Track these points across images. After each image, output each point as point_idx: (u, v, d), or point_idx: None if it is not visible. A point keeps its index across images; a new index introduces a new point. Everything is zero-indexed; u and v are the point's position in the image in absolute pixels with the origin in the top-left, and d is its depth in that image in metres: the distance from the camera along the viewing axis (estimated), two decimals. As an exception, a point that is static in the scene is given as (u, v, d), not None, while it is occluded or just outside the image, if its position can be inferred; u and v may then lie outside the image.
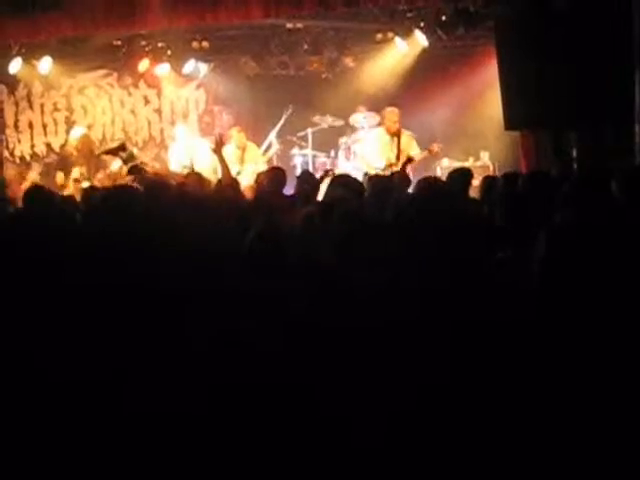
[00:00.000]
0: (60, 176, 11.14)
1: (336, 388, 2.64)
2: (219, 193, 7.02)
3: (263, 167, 10.77)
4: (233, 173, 11.10)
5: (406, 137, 11.30)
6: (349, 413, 2.57)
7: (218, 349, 2.77)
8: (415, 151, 11.08)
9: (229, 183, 7.71)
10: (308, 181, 7.38)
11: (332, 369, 2.68)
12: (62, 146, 13.33)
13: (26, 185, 10.25)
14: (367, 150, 11.60)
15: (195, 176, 7.87)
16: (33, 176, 11.62)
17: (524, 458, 2.30)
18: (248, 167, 11.40)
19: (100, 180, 10.77)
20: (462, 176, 7.17)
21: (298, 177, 7.88)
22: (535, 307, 2.51)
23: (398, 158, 10.87)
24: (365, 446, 2.50)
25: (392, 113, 11.49)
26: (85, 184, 10.77)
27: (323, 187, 7.36)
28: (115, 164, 11.26)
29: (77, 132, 12.04)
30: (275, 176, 7.49)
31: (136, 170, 9.11)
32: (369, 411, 2.56)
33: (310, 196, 6.82)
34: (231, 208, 5.54)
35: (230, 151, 11.65)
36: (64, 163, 11.53)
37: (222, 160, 8.36)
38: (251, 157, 11.82)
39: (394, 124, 11.31)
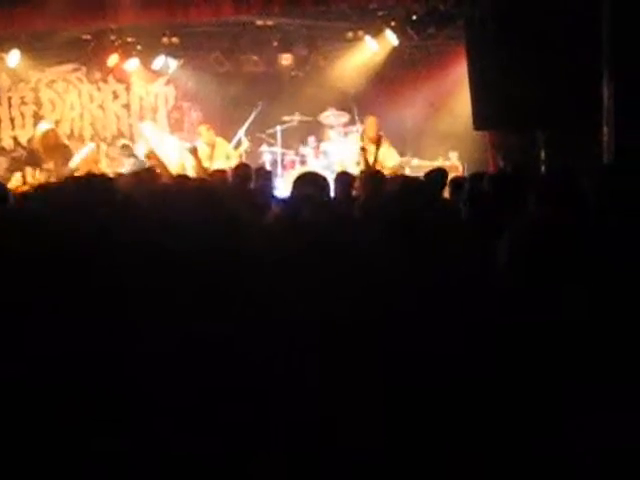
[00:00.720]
0: (29, 171, 11.09)
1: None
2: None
3: (234, 163, 10.79)
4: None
5: (386, 148, 11.28)
6: (342, 415, 2.57)
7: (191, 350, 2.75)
8: (393, 161, 11.13)
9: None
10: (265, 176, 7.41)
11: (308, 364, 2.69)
12: (29, 140, 13.23)
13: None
14: (344, 155, 11.62)
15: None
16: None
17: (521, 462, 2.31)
18: (218, 164, 11.37)
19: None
20: (439, 176, 7.21)
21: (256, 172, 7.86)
22: (499, 304, 2.52)
23: (374, 166, 10.85)
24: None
25: (372, 123, 11.48)
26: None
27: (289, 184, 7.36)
28: (76, 158, 11.25)
29: (42, 127, 11.95)
30: (241, 172, 7.50)
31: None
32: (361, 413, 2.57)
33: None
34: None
35: (199, 148, 11.67)
36: (33, 158, 11.44)
37: (197, 157, 8.47)
38: (221, 153, 11.78)
39: (375, 132, 11.30)
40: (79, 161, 11.35)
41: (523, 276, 2.46)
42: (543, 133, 10.06)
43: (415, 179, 6.32)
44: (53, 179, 10.59)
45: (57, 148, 11.41)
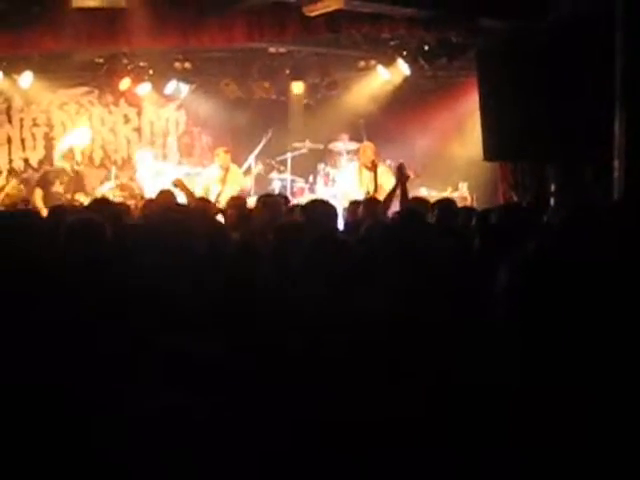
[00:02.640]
0: (39, 193, 11.12)
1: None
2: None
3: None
4: (214, 193, 11.17)
5: (382, 170, 11.25)
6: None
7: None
8: (391, 183, 11.08)
9: (197, 206, 7.71)
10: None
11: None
12: (40, 162, 13.27)
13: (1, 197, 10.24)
14: (346, 183, 11.59)
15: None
16: (8, 189, 11.54)
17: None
18: (228, 189, 11.37)
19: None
20: (447, 207, 7.11)
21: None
22: (500, 338, 2.50)
23: (376, 191, 10.80)
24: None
25: (367, 148, 11.45)
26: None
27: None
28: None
29: (64, 146, 12.07)
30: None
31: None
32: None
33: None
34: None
35: (214, 171, 11.71)
36: (44, 180, 11.46)
37: (185, 188, 8.44)
38: (233, 179, 11.81)
39: (369, 159, 11.25)
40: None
41: (521, 308, 2.44)
42: (553, 166, 10.04)
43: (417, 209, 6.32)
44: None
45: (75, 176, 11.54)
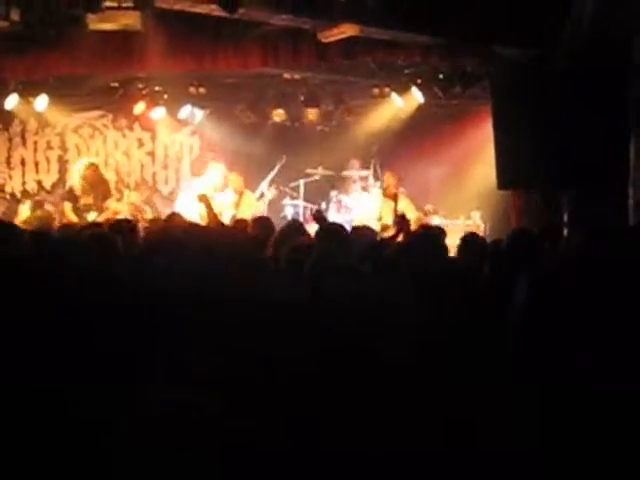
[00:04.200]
0: (68, 206, 11.17)
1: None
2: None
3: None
4: (229, 217, 11.19)
5: (404, 202, 11.30)
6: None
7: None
8: (412, 216, 11.10)
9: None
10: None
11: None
12: (54, 184, 13.31)
13: (19, 220, 10.26)
14: (364, 212, 11.62)
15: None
16: (24, 211, 11.56)
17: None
18: (241, 213, 11.38)
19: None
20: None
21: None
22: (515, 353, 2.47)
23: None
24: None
25: (390, 177, 11.58)
26: (92, 215, 10.84)
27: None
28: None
29: (83, 161, 12.13)
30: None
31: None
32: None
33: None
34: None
35: (228, 195, 11.73)
36: (70, 193, 11.52)
37: (208, 205, 8.42)
38: (247, 203, 11.85)
39: (391, 188, 11.33)
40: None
41: (537, 325, 2.41)
42: (567, 194, 10.00)
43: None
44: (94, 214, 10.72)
45: (98, 184, 11.56)
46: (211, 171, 12.21)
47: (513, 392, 2.36)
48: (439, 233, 6.63)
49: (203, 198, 8.67)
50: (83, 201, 11.31)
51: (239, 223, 8.16)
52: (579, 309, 2.31)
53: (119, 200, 12.77)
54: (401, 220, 8.19)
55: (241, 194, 11.93)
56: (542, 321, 2.36)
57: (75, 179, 11.69)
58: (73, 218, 10.94)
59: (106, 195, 11.57)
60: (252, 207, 11.89)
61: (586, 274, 2.42)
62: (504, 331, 2.66)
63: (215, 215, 8.51)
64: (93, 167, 11.78)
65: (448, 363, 2.94)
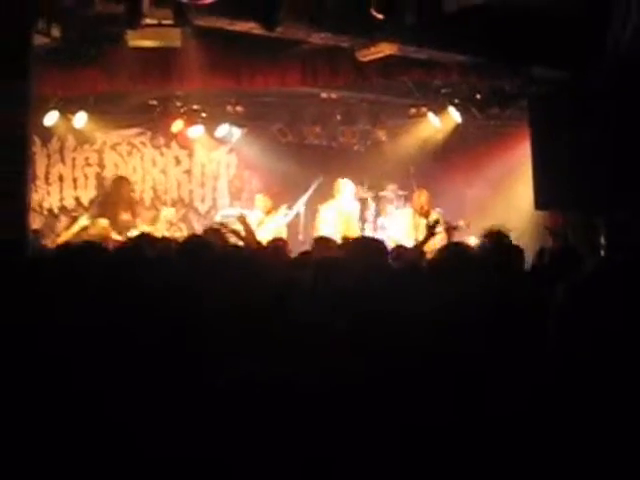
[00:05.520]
0: (104, 222, 11.23)
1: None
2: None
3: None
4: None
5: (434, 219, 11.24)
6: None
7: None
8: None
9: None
10: None
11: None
12: (91, 201, 13.39)
13: (61, 239, 10.32)
14: (395, 229, 11.58)
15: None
16: (82, 221, 11.54)
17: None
18: (262, 232, 11.25)
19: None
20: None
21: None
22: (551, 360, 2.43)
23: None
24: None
25: (421, 194, 11.54)
26: (134, 232, 10.87)
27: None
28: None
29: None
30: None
31: None
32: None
33: None
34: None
35: (257, 216, 11.76)
36: (104, 209, 11.63)
37: (247, 226, 8.43)
38: (269, 224, 11.93)
39: (423, 206, 11.30)
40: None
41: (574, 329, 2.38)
42: (604, 217, 9.91)
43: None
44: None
45: (130, 199, 11.73)
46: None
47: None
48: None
49: (243, 220, 8.68)
50: (121, 217, 11.40)
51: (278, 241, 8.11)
52: (612, 314, 2.27)
53: (155, 217, 12.87)
54: (433, 226, 8.21)
55: (269, 214, 12.00)
56: (576, 321, 2.33)
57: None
58: (114, 235, 10.98)
59: (135, 211, 11.73)
60: (274, 227, 11.87)
61: (620, 283, 2.38)
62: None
63: (254, 235, 8.51)
64: (125, 180, 11.97)
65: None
